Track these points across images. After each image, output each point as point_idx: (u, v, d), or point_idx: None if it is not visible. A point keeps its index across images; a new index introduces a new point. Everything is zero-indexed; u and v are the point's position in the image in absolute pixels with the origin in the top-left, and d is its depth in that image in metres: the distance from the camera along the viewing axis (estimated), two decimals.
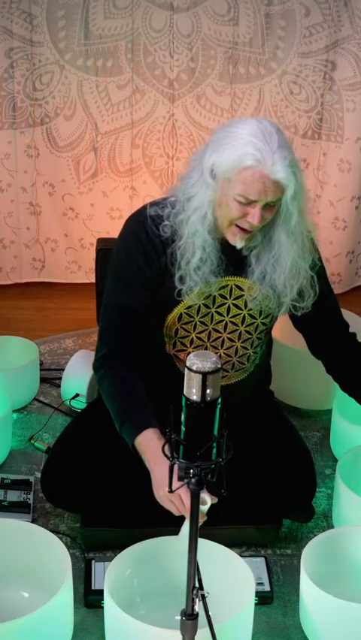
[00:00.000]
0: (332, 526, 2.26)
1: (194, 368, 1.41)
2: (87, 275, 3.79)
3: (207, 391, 1.42)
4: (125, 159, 3.64)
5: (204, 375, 1.41)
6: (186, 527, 1.77)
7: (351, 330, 2.31)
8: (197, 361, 1.41)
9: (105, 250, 2.61)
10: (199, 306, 2.05)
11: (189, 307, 2.05)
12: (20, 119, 3.52)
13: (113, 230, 3.73)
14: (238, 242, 1.96)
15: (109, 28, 3.41)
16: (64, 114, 3.53)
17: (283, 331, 2.57)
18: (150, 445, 1.85)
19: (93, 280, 2.69)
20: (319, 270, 2.11)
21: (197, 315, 2.07)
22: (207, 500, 1.74)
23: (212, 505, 1.77)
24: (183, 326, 2.08)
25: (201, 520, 1.72)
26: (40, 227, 3.75)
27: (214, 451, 1.48)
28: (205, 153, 1.92)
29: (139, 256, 2.01)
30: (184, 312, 2.06)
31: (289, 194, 1.88)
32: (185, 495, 1.73)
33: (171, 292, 2.01)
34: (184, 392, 1.44)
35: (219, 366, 1.43)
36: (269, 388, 2.41)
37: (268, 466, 2.16)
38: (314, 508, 2.26)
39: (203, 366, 1.41)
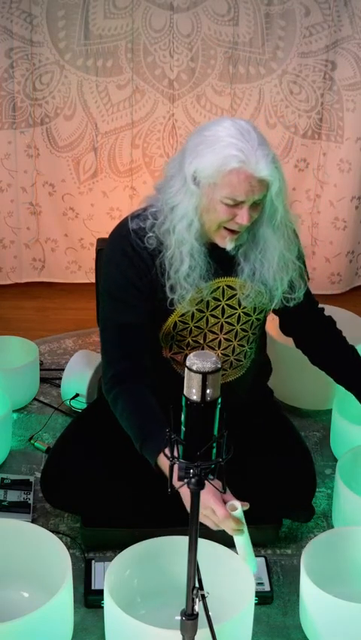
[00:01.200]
0: (332, 526, 2.26)
1: (194, 368, 1.41)
2: (87, 275, 3.79)
3: (207, 391, 1.42)
4: (125, 159, 3.64)
5: (204, 375, 1.41)
6: (238, 542, 1.77)
7: (351, 330, 2.32)
8: (197, 361, 1.41)
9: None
10: (193, 312, 2.05)
11: (183, 315, 2.04)
12: (20, 119, 3.52)
13: None
14: (227, 244, 1.95)
15: (109, 28, 3.41)
16: (64, 114, 3.53)
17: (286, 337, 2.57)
18: None
19: (93, 280, 2.70)
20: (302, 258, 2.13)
21: (192, 321, 2.06)
22: (237, 506, 1.72)
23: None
24: (179, 332, 2.08)
25: (238, 526, 1.72)
26: (40, 227, 3.75)
27: (214, 451, 1.48)
28: (184, 160, 1.89)
29: (129, 270, 1.99)
30: (178, 320, 2.05)
31: (274, 190, 1.88)
32: (217, 506, 1.71)
33: (164, 302, 2.00)
34: (184, 392, 1.44)
35: (219, 366, 1.43)
36: (268, 386, 2.41)
37: (268, 466, 2.16)
38: (314, 508, 2.26)
39: (203, 366, 1.41)
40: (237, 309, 2.10)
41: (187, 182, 1.89)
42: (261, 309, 2.13)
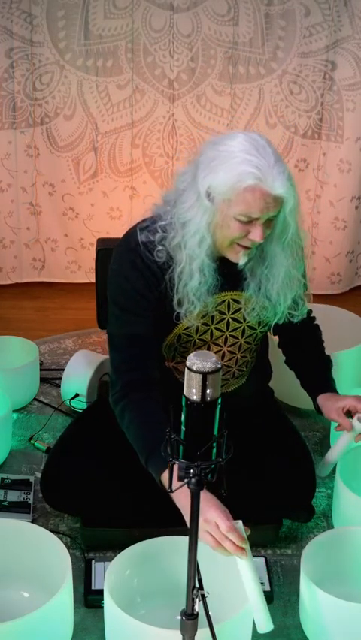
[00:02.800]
0: (332, 526, 2.26)
1: (194, 368, 1.41)
2: (87, 275, 3.79)
3: (207, 391, 1.42)
4: (125, 159, 3.64)
5: (204, 375, 1.41)
6: (243, 568, 1.73)
7: (351, 330, 2.32)
8: (197, 361, 1.41)
9: (105, 250, 2.61)
10: (198, 326, 2.04)
11: (188, 328, 2.03)
12: (20, 119, 3.52)
13: (113, 231, 3.75)
14: (240, 259, 1.93)
15: (109, 28, 3.41)
16: (64, 114, 3.54)
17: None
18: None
19: (93, 280, 2.70)
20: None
21: (196, 334, 2.05)
22: (240, 524, 1.71)
23: None
24: (183, 344, 2.07)
25: (242, 542, 1.69)
26: (40, 227, 3.75)
27: (214, 451, 1.48)
28: (198, 175, 1.86)
29: (138, 282, 1.97)
30: (183, 333, 2.05)
31: (288, 207, 1.85)
32: (221, 519, 1.68)
33: (170, 315, 1.99)
34: (184, 392, 1.44)
35: (219, 366, 1.43)
36: (269, 387, 2.41)
37: (268, 466, 2.16)
38: (314, 508, 2.26)
39: (203, 366, 1.41)
40: (242, 323, 2.09)
41: (200, 198, 1.85)
42: (265, 323, 2.12)
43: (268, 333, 2.31)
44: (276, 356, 2.43)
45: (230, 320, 2.07)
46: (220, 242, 1.91)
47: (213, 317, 2.04)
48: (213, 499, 1.72)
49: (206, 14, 3.40)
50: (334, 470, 2.34)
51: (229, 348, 2.11)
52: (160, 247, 1.94)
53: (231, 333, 2.09)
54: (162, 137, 3.61)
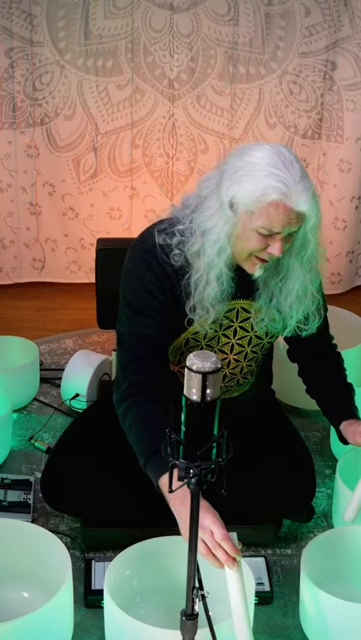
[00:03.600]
0: (332, 526, 2.26)
1: (194, 368, 1.41)
2: (87, 275, 3.80)
3: (207, 391, 1.42)
4: (125, 159, 3.64)
5: (204, 375, 1.41)
6: (233, 604, 1.65)
7: (351, 330, 2.31)
8: (197, 361, 1.41)
9: (105, 250, 2.61)
10: (206, 331, 2.03)
11: (196, 332, 2.03)
12: (20, 119, 3.52)
13: (113, 230, 3.75)
14: (256, 271, 1.93)
15: (109, 28, 3.41)
16: (64, 114, 3.54)
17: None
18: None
19: (93, 280, 2.70)
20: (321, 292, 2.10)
21: (203, 340, 2.05)
22: (234, 535, 1.68)
23: (213, 505, 1.76)
24: (189, 349, 2.07)
25: (235, 552, 1.64)
26: (40, 227, 3.75)
27: (214, 451, 1.48)
28: (222, 184, 1.84)
29: (153, 284, 1.96)
30: (191, 337, 2.04)
31: (310, 223, 1.84)
32: (216, 527, 1.66)
33: (180, 319, 1.98)
34: (184, 392, 1.44)
35: (220, 366, 1.43)
36: (271, 388, 2.41)
37: (269, 467, 2.16)
38: (314, 508, 2.26)
39: (203, 366, 1.41)
40: (249, 332, 2.08)
41: (223, 207, 1.84)
42: (273, 334, 2.11)
43: (274, 344, 2.31)
44: (276, 356, 2.42)
45: (238, 328, 2.06)
46: (239, 252, 1.90)
47: (221, 323, 2.03)
48: (210, 507, 1.70)
49: (206, 14, 3.40)
50: (334, 470, 2.34)
51: (234, 356, 2.11)
52: (177, 251, 1.93)
53: (237, 341, 2.09)
54: (162, 137, 3.61)
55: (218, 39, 3.44)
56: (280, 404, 2.51)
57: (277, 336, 2.14)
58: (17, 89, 3.46)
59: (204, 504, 1.70)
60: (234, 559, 1.62)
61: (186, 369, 1.43)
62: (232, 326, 2.05)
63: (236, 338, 2.08)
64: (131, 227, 3.74)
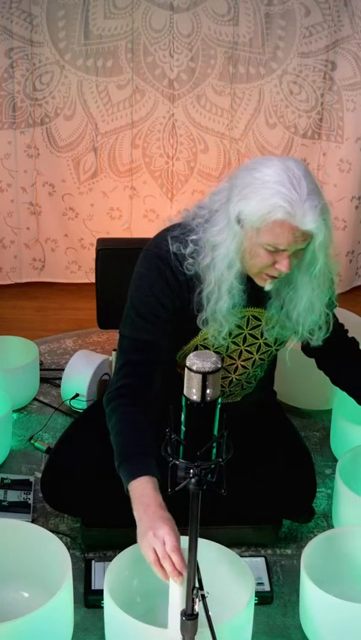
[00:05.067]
0: (332, 526, 2.26)
1: (194, 368, 1.41)
2: (87, 275, 3.79)
3: (207, 391, 1.42)
4: (125, 159, 3.64)
5: (204, 375, 1.41)
6: (171, 616, 1.66)
7: (351, 330, 2.31)
8: (197, 361, 1.41)
9: (105, 250, 2.61)
10: (219, 342, 2.03)
11: (206, 339, 2.02)
12: (20, 119, 3.52)
13: (113, 230, 3.75)
14: (267, 285, 1.93)
15: (109, 28, 3.41)
16: (64, 114, 3.54)
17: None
18: (143, 492, 1.77)
19: (93, 280, 2.70)
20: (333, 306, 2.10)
21: (212, 347, 2.04)
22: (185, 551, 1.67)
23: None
24: None
25: (183, 567, 1.63)
26: (40, 227, 3.75)
27: (214, 451, 1.48)
28: (231, 199, 1.85)
29: (163, 292, 1.95)
30: (200, 344, 2.04)
31: (317, 241, 1.83)
32: (170, 536, 1.66)
33: (191, 328, 1.98)
34: (184, 392, 1.44)
35: (220, 366, 1.43)
36: (273, 389, 2.41)
37: (269, 467, 2.16)
38: (314, 509, 2.26)
39: (203, 366, 1.41)
40: (258, 340, 2.08)
41: (231, 222, 1.84)
42: (282, 341, 2.12)
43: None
44: (277, 356, 2.42)
45: (247, 335, 2.06)
46: (249, 268, 1.91)
47: (230, 331, 2.02)
48: (170, 519, 1.71)
49: (206, 14, 3.40)
50: (334, 470, 2.34)
51: (242, 363, 2.11)
52: (190, 260, 1.93)
53: (246, 348, 2.08)
54: (162, 137, 3.61)
55: (218, 39, 3.44)
56: (281, 404, 2.51)
57: (285, 343, 2.14)
58: (17, 89, 3.45)
59: (165, 515, 1.71)
60: (180, 573, 1.62)
61: (186, 369, 1.43)
62: (242, 333, 2.05)
63: (245, 345, 2.08)
64: (131, 227, 3.74)
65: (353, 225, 3.75)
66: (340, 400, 2.51)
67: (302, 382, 2.73)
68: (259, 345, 2.09)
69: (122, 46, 3.44)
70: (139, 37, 3.43)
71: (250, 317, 2.04)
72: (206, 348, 2.04)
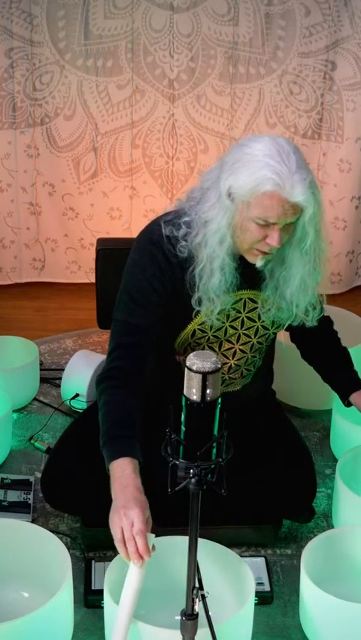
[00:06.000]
0: (332, 526, 2.26)
1: (194, 368, 1.41)
2: (87, 275, 3.79)
3: (207, 391, 1.42)
4: (125, 159, 3.64)
5: (204, 375, 1.41)
6: (124, 596, 1.66)
7: (351, 329, 2.32)
8: (197, 361, 1.41)
9: (105, 250, 2.61)
10: (213, 322, 2.04)
11: (203, 323, 2.04)
12: (20, 119, 3.52)
13: (113, 230, 3.75)
14: (258, 261, 1.94)
15: (109, 28, 3.41)
16: (64, 114, 3.54)
17: (283, 331, 2.57)
18: (122, 474, 1.79)
19: (93, 280, 2.70)
20: None
21: (210, 331, 2.06)
22: (152, 539, 1.70)
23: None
24: (196, 340, 2.08)
25: (147, 553, 1.66)
26: (40, 227, 3.75)
27: (214, 451, 1.48)
28: (221, 175, 1.87)
29: (155, 276, 1.97)
30: (198, 328, 2.05)
31: (307, 215, 1.85)
32: (139, 520, 1.68)
33: (187, 312, 2.00)
34: (184, 392, 1.44)
35: (219, 366, 1.43)
36: (271, 388, 2.41)
37: (269, 467, 2.16)
38: (315, 509, 2.26)
39: (203, 366, 1.41)
40: (256, 322, 2.10)
41: (222, 198, 1.86)
42: (279, 324, 2.13)
43: (277, 340, 2.32)
44: (277, 356, 2.43)
45: (245, 319, 2.08)
46: (240, 244, 1.92)
47: (228, 315, 2.04)
48: (144, 501, 1.73)
49: (206, 14, 3.40)
50: (334, 470, 2.34)
51: (240, 347, 2.12)
52: (183, 243, 1.95)
53: (244, 332, 2.10)
54: (162, 137, 3.61)
55: (218, 39, 3.44)
56: (280, 404, 2.51)
57: (283, 327, 2.16)
58: (17, 89, 3.46)
59: (140, 497, 1.74)
60: (141, 556, 1.65)
61: (186, 369, 1.43)
62: (240, 317, 2.07)
63: (243, 329, 2.09)
64: (131, 227, 3.74)
65: (353, 225, 3.75)
66: (340, 400, 2.51)
67: (302, 382, 2.73)
68: (257, 329, 2.11)
69: (122, 46, 3.44)
70: (139, 37, 3.43)
71: (247, 299, 2.05)
72: (204, 332, 2.05)
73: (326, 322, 2.35)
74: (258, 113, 3.55)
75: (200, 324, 2.04)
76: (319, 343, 2.34)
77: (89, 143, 3.60)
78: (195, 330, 2.05)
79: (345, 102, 3.50)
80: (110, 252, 2.59)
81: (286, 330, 2.31)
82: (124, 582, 1.67)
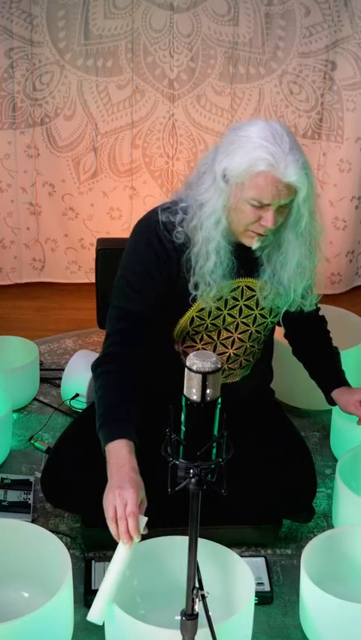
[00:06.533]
0: (332, 526, 2.26)
1: (194, 368, 1.41)
2: (87, 275, 3.79)
3: (207, 391, 1.42)
4: (125, 159, 3.64)
5: (204, 375, 1.41)
6: (108, 574, 1.73)
7: (351, 329, 2.33)
8: (197, 361, 1.41)
9: (105, 250, 2.61)
10: (211, 309, 2.06)
11: (201, 310, 2.05)
12: (20, 119, 3.52)
13: (113, 230, 3.75)
14: (254, 244, 1.97)
15: (109, 28, 3.41)
16: (64, 114, 3.53)
17: (283, 331, 2.57)
18: (118, 455, 1.81)
19: (93, 280, 2.70)
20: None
21: (208, 318, 2.07)
22: (143, 521, 1.73)
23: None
24: (195, 328, 2.09)
25: (136, 534, 1.70)
26: (40, 227, 3.75)
27: (214, 451, 1.48)
28: (216, 158, 1.91)
29: (150, 262, 2.00)
30: (196, 316, 2.06)
31: (301, 196, 1.88)
32: (133, 502, 1.71)
33: (185, 297, 2.01)
34: (184, 392, 1.44)
35: (219, 366, 1.43)
36: (270, 387, 2.42)
37: (269, 467, 2.16)
38: (314, 509, 2.26)
39: (203, 366, 1.41)
40: (254, 310, 2.11)
41: (217, 180, 1.90)
42: (277, 313, 2.15)
43: (275, 336, 2.33)
44: (276, 356, 2.43)
45: (243, 306, 2.09)
46: (235, 226, 1.95)
47: (226, 302, 2.06)
48: (140, 483, 1.77)
49: (206, 14, 3.40)
50: (334, 470, 2.34)
51: (239, 336, 2.13)
52: (180, 228, 1.98)
53: (242, 320, 2.11)
54: (162, 137, 3.61)
55: (218, 39, 3.44)
56: (280, 404, 2.51)
57: (281, 315, 2.17)
58: (17, 89, 3.45)
59: (135, 477, 1.77)
60: (131, 537, 1.70)
61: (186, 369, 1.43)
62: (238, 304, 2.09)
63: (241, 317, 2.11)
64: (131, 227, 3.73)
65: (353, 225, 3.75)
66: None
67: (302, 382, 2.73)
68: (255, 317, 2.12)
69: (122, 46, 3.44)
70: (139, 37, 3.43)
71: (245, 287, 2.07)
72: (202, 319, 2.06)
73: (319, 321, 2.38)
74: (258, 113, 3.55)
75: (198, 312, 2.05)
76: (310, 340, 2.37)
77: (89, 143, 3.60)
78: (193, 318, 2.06)
79: (345, 102, 3.50)
80: (110, 252, 2.59)
81: (283, 320, 2.32)
82: (112, 562, 1.72)
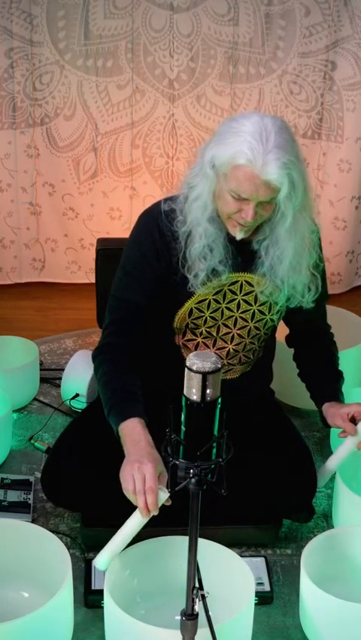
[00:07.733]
0: (332, 526, 2.26)
1: (194, 368, 1.41)
2: (87, 275, 3.80)
3: (207, 391, 1.42)
4: (125, 159, 3.64)
5: (204, 375, 1.41)
6: (135, 519, 1.79)
7: (351, 330, 2.33)
8: (197, 361, 1.41)
9: (105, 250, 2.61)
10: (210, 302, 2.08)
11: (200, 302, 2.07)
12: (20, 119, 3.52)
13: (113, 230, 3.75)
14: (237, 233, 1.99)
15: (109, 28, 3.41)
16: (64, 114, 3.54)
17: (283, 331, 2.57)
18: (133, 431, 1.86)
19: (93, 280, 2.70)
20: (321, 271, 2.14)
21: (207, 310, 2.09)
22: (164, 494, 1.75)
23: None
24: (194, 321, 2.11)
25: (154, 507, 1.74)
26: (40, 227, 3.75)
27: (214, 451, 1.48)
28: (208, 145, 1.95)
29: (150, 251, 2.04)
30: (195, 307, 2.08)
31: (282, 195, 1.89)
32: (151, 476, 1.74)
33: (182, 286, 2.03)
34: (184, 392, 1.44)
35: (219, 366, 1.43)
36: (270, 387, 2.42)
37: (269, 467, 2.16)
38: (314, 508, 2.26)
39: (203, 366, 1.41)
40: (252, 306, 2.13)
41: (205, 166, 1.94)
42: (277, 310, 2.16)
43: (278, 341, 2.33)
44: (277, 356, 2.43)
45: (241, 301, 2.11)
46: (220, 212, 1.98)
47: (225, 294, 2.08)
48: (158, 458, 1.79)
49: (206, 14, 3.40)
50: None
51: (238, 331, 2.14)
52: (181, 217, 2.01)
53: (241, 315, 2.12)
54: (162, 137, 3.61)
55: (218, 39, 3.44)
56: (280, 404, 2.51)
57: (281, 313, 2.17)
58: (17, 89, 3.46)
59: (152, 452, 1.80)
60: (149, 511, 1.74)
61: (186, 369, 1.43)
62: (236, 299, 2.10)
63: (239, 312, 2.12)
64: (131, 227, 3.73)
65: (353, 225, 3.75)
66: None
67: (301, 381, 2.73)
68: (254, 312, 2.13)
69: (122, 46, 3.44)
70: (139, 37, 3.43)
71: (243, 282, 2.09)
72: (201, 312, 2.08)
73: (330, 347, 2.35)
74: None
75: (197, 303, 2.07)
76: (316, 362, 2.34)
77: (89, 143, 3.60)
78: (192, 309, 2.08)
79: (345, 102, 3.51)
80: (110, 252, 2.59)
81: (286, 322, 2.32)
82: (128, 521, 1.79)
